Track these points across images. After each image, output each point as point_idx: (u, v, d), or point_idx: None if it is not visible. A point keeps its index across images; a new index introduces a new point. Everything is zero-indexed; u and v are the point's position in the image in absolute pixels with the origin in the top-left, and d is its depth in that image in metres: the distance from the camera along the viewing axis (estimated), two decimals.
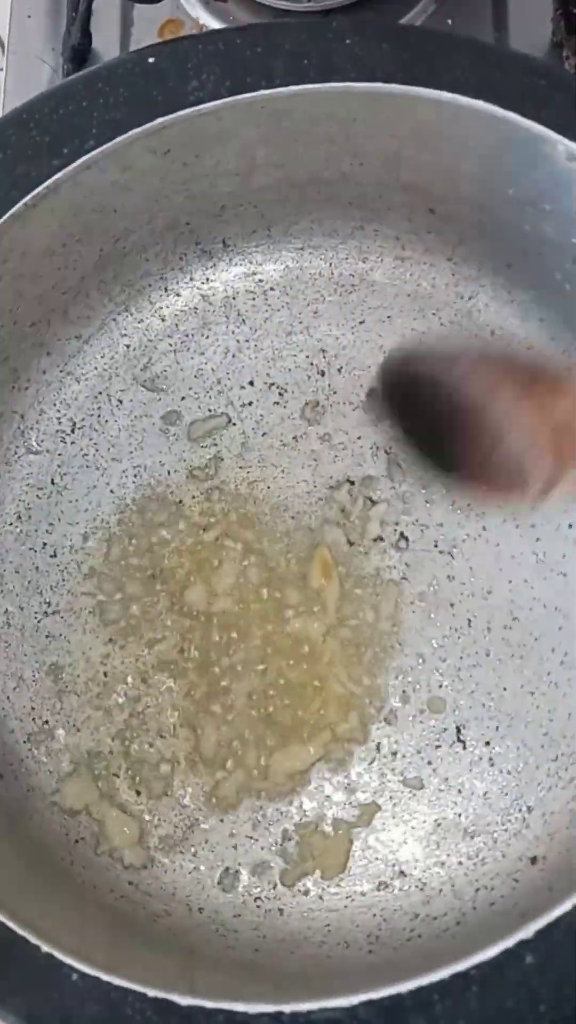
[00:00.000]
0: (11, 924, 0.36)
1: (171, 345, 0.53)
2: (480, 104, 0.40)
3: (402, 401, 0.43)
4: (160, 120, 0.40)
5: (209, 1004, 0.34)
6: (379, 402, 0.44)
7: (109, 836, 0.48)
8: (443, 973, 0.34)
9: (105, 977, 0.35)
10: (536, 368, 0.41)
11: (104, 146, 0.40)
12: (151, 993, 0.35)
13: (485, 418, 0.38)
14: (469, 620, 0.50)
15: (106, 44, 0.55)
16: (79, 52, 0.52)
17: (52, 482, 0.52)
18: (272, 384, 0.53)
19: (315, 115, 0.44)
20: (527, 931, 0.34)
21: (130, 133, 0.40)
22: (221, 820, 0.49)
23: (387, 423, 0.43)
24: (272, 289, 0.54)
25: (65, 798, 0.49)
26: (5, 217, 0.41)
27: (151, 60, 0.41)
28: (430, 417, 0.41)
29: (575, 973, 0.34)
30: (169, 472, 0.52)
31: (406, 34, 0.40)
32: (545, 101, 0.40)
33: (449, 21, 0.56)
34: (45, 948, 0.35)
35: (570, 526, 0.51)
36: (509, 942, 0.34)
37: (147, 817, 0.49)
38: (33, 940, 0.35)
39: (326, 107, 0.43)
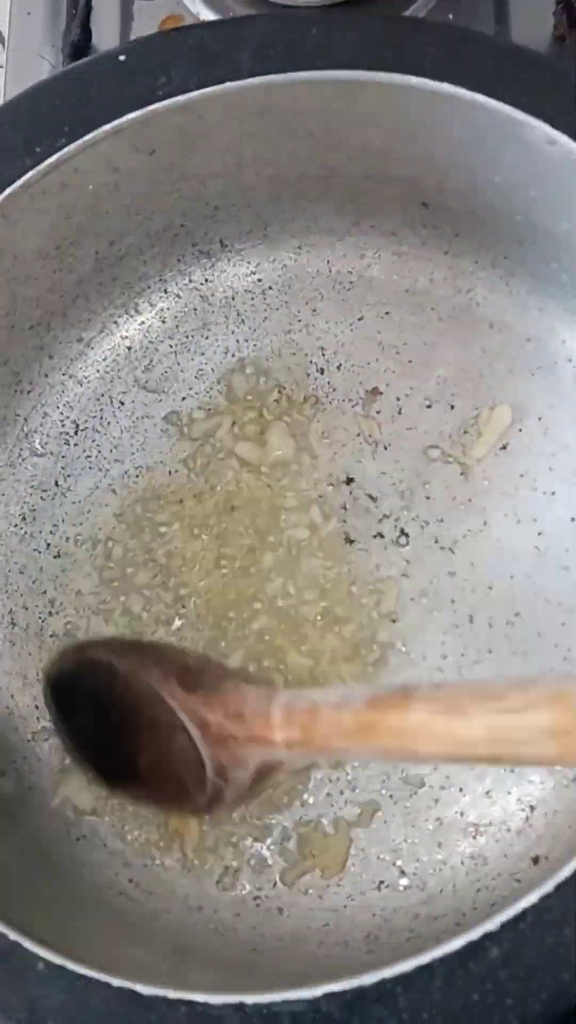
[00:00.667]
0: None
1: (172, 346, 0.54)
2: (446, 87, 0.39)
3: (72, 703, 0.43)
4: (130, 116, 0.41)
5: (172, 994, 0.34)
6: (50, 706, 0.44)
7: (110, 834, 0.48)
8: (406, 965, 0.34)
9: (71, 967, 0.35)
10: (192, 665, 0.41)
11: (74, 143, 0.40)
12: (115, 983, 0.34)
13: (157, 713, 0.38)
14: (471, 616, 0.50)
15: (106, 40, 0.56)
16: (79, 48, 0.53)
17: (56, 484, 0.53)
18: (272, 382, 0.53)
19: (293, 109, 0.44)
20: (492, 923, 0.34)
21: (101, 129, 0.41)
22: (221, 818, 0.49)
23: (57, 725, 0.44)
24: (271, 288, 0.54)
25: (68, 796, 0.49)
26: None
27: (121, 58, 0.41)
28: (103, 717, 0.41)
29: (542, 967, 0.33)
30: (171, 472, 0.53)
31: (372, 22, 0.40)
32: (517, 82, 0.39)
33: (450, 16, 0.56)
34: (12, 936, 0.35)
35: (572, 519, 0.50)
36: (474, 934, 0.34)
37: (148, 815, 0.49)
38: (1, 929, 0.35)
39: (301, 100, 0.43)
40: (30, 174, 0.41)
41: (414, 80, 0.40)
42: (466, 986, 0.33)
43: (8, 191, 0.41)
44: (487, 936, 0.33)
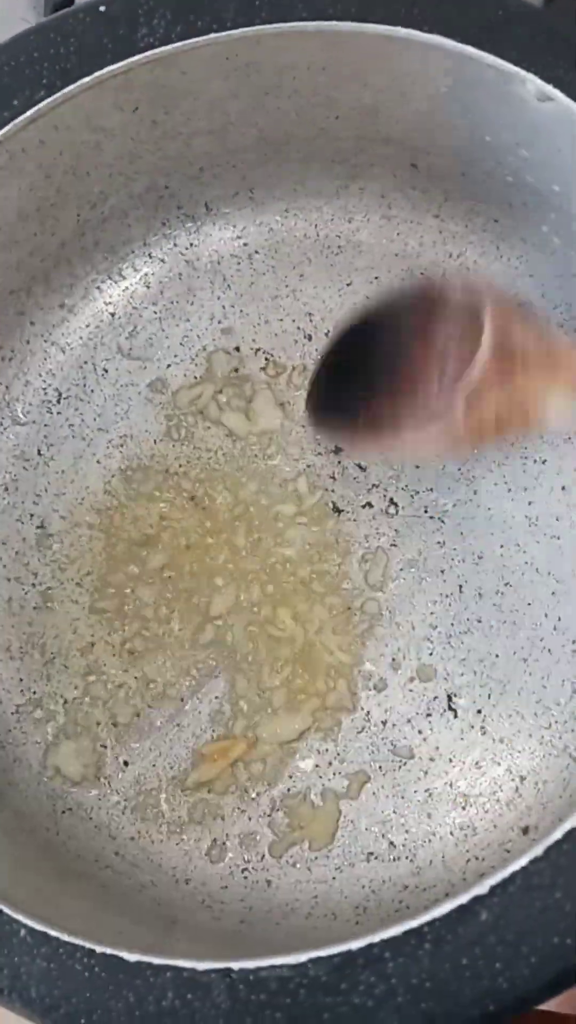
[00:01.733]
0: None
1: (156, 312, 0.53)
2: (434, 38, 0.39)
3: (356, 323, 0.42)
4: (110, 68, 0.40)
5: (157, 960, 0.34)
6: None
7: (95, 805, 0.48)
8: (395, 930, 0.33)
9: (53, 933, 0.34)
10: (540, 329, 0.40)
11: (52, 96, 0.39)
12: (99, 949, 0.34)
13: (449, 323, 0.37)
14: (460, 586, 0.49)
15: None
16: (60, 9, 0.52)
17: (38, 453, 0.52)
18: (258, 349, 0.52)
19: (279, 65, 0.43)
20: (482, 887, 0.33)
21: (80, 82, 0.40)
22: (208, 791, 0.48)
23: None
24: (257, 253, 0.53)
25: (58, 766, 0.48)
26: None
27: (102, 8, 0.40)
28: (378, 337, 0.40)
29: (532, 931, 0.33)
30: (155, 441, 0.52)
31: None
32: (507, 36, 0.39)
33: None
34: None
35: (563, 488, 0.49)
36: (463, 899, 0.33)
37: (135, 787, 0.48)
38: None
39: (288, 55, 0.42)
40: (7, 128, 0.39)
41: (402, 31, 0.39)
42: (455, 950, 0.33)
43: None
44: (476, 900, 0.33)
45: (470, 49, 0.39)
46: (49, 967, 0.34)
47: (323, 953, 0.33)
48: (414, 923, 0.33)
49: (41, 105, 0.40)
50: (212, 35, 0.39)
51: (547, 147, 0.43)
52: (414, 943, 0.33)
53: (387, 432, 0.40)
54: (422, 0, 0.39)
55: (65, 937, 0.34)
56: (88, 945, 0.34)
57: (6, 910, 0.35)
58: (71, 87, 0.40)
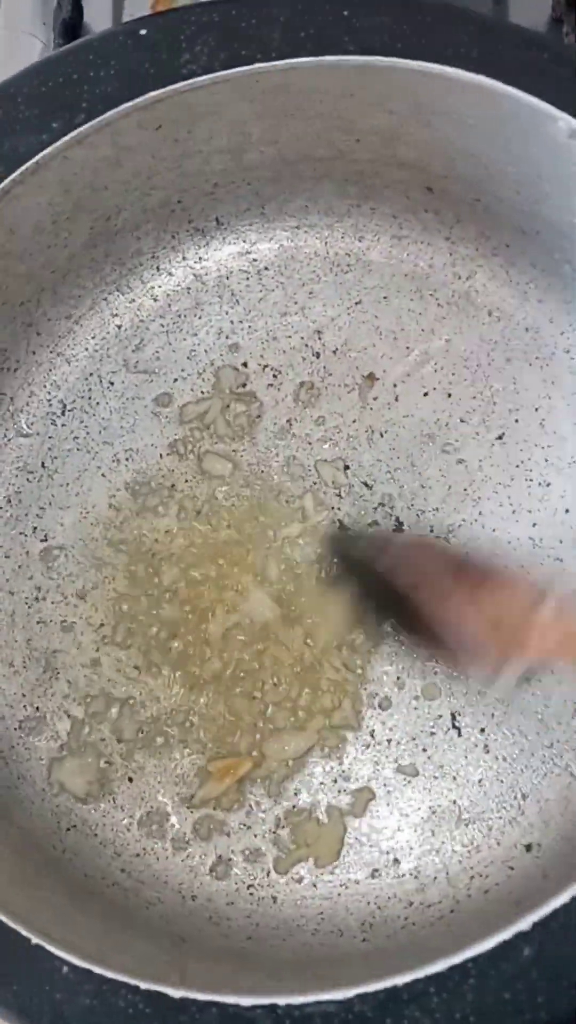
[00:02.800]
0: (1, 915, 0.36)
1: (163, 326, 0.53)
2: (481, 79, 0.39)
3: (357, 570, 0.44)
4: (153, 93, 0.39)
5: (202, 996, 0.34)
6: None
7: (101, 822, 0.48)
8: (439, 966, 0.34)
9: (97, 970, 0.34)
10: (462, 561, 0.42)
11: (95, 120, 0.39)
12: (143, 985, 0.34)
13: (422, 607, 0.38)
14: None
15: (98, 17, 0.54)
16: (70, 26, 0.51)
17: (43, 465, 0.52)
18: (266, 366, 0.52)
19: (310, 90, 0.43)
20: (525, 923, 0.34)
21: (123, 107, 0.39)
22: (214, 808, 0.48)
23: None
24: (267, 269, 0.53)
25: (62, 782, 0.48)
26: None
27: (143, 32, 0.40)
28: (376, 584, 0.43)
29: (573, 965, 0.34)
30: (161, 455, 0.52)
31: (405, 6, 0.39)
32: (545, 76, 0.39)
33: None
34: (35, 940, 0.34)
35: (567, 511, 0.50)
36: (506, 934, 0.34)
37: (140, 804, 0.48)
38: (24, 932, 0.34)
39: (322, 81, 0.42)
40: (48, 150, 0.39)
41: (449, 71, 0.39)
42: (498, 985, 0.34)
43: (24, 167, 0.39)
44: (519, 936, 0.34)
45: (512, 90, 0.39)
46: (92, 1004, 0.34)
47: (369, 989, 0.34)
48: (458, 959, 0.33)
49: (80, 130, 0.39)
50: (258, 65, 0.39)
51: (571, 181, 0.43)
52: (458, 979, 0.33)
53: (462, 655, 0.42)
54: (465, 38, 0.39)
55: (109, 974, 0.34)
56: (133, 982, 0.34)
57: (48, 947, 0.34)
58: (111, 113, 0.39)
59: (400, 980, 0.34)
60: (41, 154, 0.39)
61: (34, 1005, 0.34)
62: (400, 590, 0.40)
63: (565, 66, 0.39)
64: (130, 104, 0.39)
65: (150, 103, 0.39)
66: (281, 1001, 0.34)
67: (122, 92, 0.40)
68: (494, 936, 0.34)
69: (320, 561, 0.47)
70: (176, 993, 0.34)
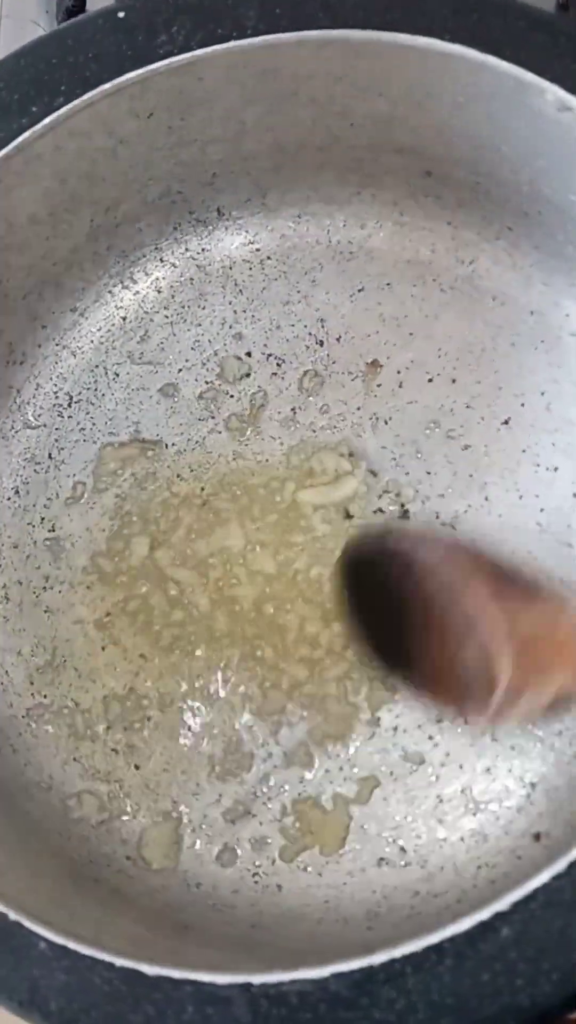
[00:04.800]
0: None
1: (167, 317, 0.53)
2: (454, 48, 0.38)
3: (362, 587, 0.42)
4: (129, 76, 0.39)
5: (176, 974, 0.34)
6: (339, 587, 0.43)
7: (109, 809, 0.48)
8: (415, 945, 0.34)
9: (73, 946, 0.34)
10: (506, 571, 0.39)
11: (73, 102, 0.39)
12: (119, 963, 0.34)
13: (450, 616, 0.36)
14: None
15: (100, 4, 0.54)
16: (73, 14, 0.51)
17: (49, 456, 0.52)
18: (270, 355, 0.52)
19: (297, 74, 0.43)
20: (503, 903, 0.33)
21: (99, 89, 0.40)
22: (220, 795, 0.48)
23: (344, 611, 0.43)
24: (269, 258, 0.53)
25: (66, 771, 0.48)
26: None
27: (120, 15, 0.40)
28: (391, 607, 0.40)
29: (553, 947, 0.33)
30: (166, 445, 0.52)
31: None
32: (526, 45, 0.38)
33: None
34: (13, 916, 0.34)
35: (574, 496, 0.49)
36: (484, 914, 0.33)
37: (146, 792, 0.48)
38: (0, 908, 0.34)
39: (306, 64, 0.42)
40: (25, 135, 0.39)
41: (422, 41, 0.39)
42: (476, 966, 0.33)
43: (2, 153, 0.39)
44: (498, 916, 0.33)
45: (491, 59, 0.39)
46: (68, 980, 0.34)
47: (344, 968, 0.33)
48: (435, 939, 0.33)
49: (59, 112, 0.39)
50: (232, 43, 0.39)
51: (565, 157, 0.43)
52: (435, 959, 0.33)
53: (455, 695, 0.40)
54: (442, 10, 0.39)
55: (85, 950, 0.34)
56: (108, 959, 0.34)
57: (26, 923, 0.35)
58: (89, 95, 0.39)
59: (376, 960, 0.33)
60: (21, 138, 0.39)
61: (12, 981, 0.34)
62: (427, 602, 0.39)
63: (550, 35, 0.39)
64: (108, 85, 0.39)
65: (128, 85, 0.39)
66: (256, 980, 0.34)
67: (100, 75, 0.40)
68: (471, 916, 0.33)
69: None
70: (151, 971, 0.34)
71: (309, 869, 0.47)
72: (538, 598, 0.37)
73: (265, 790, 0.48)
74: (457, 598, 0.37)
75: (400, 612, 0.41)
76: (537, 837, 0.46)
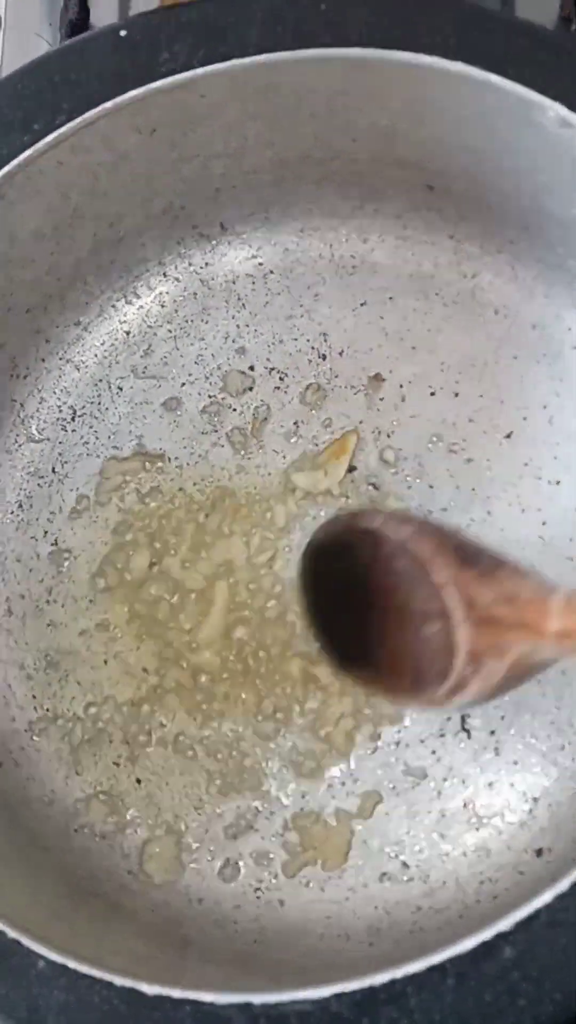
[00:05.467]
0: None
1: (171, 331, 0.53)
2: (463, 67, 0.38)
3: (322, 576, 0.42)
4: (131, 94, 0.40)
5: (176, 994, 0.34)
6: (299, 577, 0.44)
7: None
8: (418, 966, 0.33)
9: (72, 965, 0.34)
10: (470, 548, 0.40)
11: (74, 120, 0.39)
12: (118, 982, 0.34)
13: (415, 592, 0.37)
14: None
15: (104, 19, 0.54)
16: (76, 27, 0.52)
17: (53, 470, 0.52)
18: (273, 369, 0.52)
19: (299, 89, 0.43)
20: (506, 922, 0.33)
21: (101, 107, 0.40)
22: (222, 810, 0.48)
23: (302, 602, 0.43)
24: (272, 272, 0.53)
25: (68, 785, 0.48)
26: None
27: (123, 33, 0.40)
28: (351, 592, 0.40)
29: (556, 966, 0.33)
30: (169, 459, 0.52)
31: None
32: (529, 62, 0.39)
33: None
34: (11, 934, 0.34)
35: None
36: (487, 934, 0.33)
37: (148, 806, 0.48)
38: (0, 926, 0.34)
39: (308, 80, 0.42)
40: (28, 152, 0.39)
41: (426, 59, 0.39)
42: (478, 986, 0.33)
43: (5, 170, 0.39)
44: (500, 936, 0.33)
45: (493, 77, 0.39)
46: (68, 999, 0.34)
47: (345, 988, 0.33)
48: (437, 959, 0.33)
49: (62, 130, 0.40)
50: (234, 61, 0.39)
51: (566, 172, 0.43)
52: (437, 979, 0.33)
53: (408, 683, 0.40)
54: (445, 27, 0.39)
55: (84, 969, 0.34)
56: (107, 978, 0.34)
57: (25, 941, 0.35)
58: (91, 113, 0.40)
59: (377, 980, 0.33)
60: (24, 155, 0.40)
61: (10, 999, 0.34)
62: (390, 581, 0.39)
63: (548, 50, 0.39)
64: (110, 104, 0.40)
65: (129, 103, 0.40)
66: (256, 999, 0.33)
67: (103, 93, 0.40)
68: (474, 936, 0.33)
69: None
70: (150, 990, 0.34)
71: (311, 884, 0.47)
72: (501, 572, 0.37)
73: (267, 805, 0.48)
74: (422, 573, 0.37)
75: (360, 597, 0.41)
76: (539, 852, 0.46)
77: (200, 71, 0.39)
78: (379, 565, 0.39)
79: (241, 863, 0.48)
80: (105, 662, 0.50)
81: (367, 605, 0.41)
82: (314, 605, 0.44)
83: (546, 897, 0.33)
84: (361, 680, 0.45)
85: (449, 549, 0.38)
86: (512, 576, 0.38)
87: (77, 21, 0.52)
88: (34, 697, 0.50)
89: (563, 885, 0.33)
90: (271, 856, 0.47)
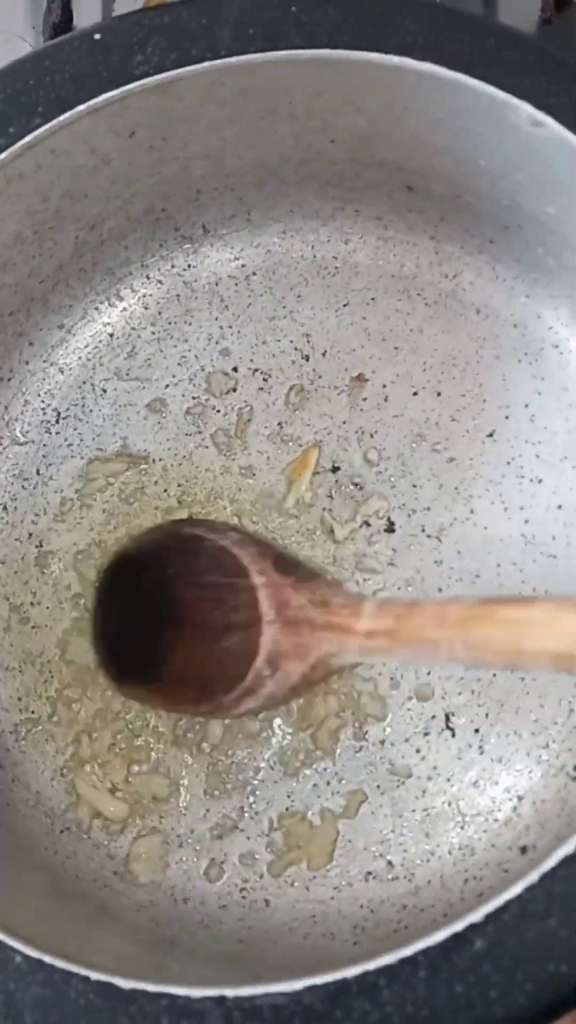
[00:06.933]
0: None
1: (154, 333, 0.53)
2: (426, 66, 0.39)
3: (121, 582, 0.44)
4: (106, 96, 0.40)
5: (151, 988, 0.34)
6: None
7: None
8: (389, 958, 0.33)
9: (48, 960, 0.34)
10: (290, 561, 0.42)
11: (48, 124, 0.40)
12: (94, 976, 0.34)
13: (221, 603, 0.38)
14: None
15: (88, 21, 0.55)
16: (60, 30, 0.52)
17: (37, 472, 0.52)
18: (256, 370, 0.52)
19: (275, 91, 0.43)
20: (476, 914, 0.33)
21: (76, 109, 0.40)
22: (207, 809, 0.48)
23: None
24: (255, 274, 0.53)
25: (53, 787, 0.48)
26: None
27: (97, 37, 0.40)
28: (144, 603, 0.41)
29: (527, 958, 0.33)
30: (154, 460, 0.52)
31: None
32: (498, 61, 0.39)
33: None
34: None
35: (559, 507, 0.49)
36: (458, 926, 0.33)
37: (134, 806, 0.48)
38: None
39: (283, 81, 0.42)
40: (4, 155, 0.40)
41: (395, 59, 0.39)
42: (450, 978, 0.33)
43: None
44: (471, 928, 0.33)
45: (463, 77, 0.39)
46: (44, 994, 0.34)
47: (318, 981, 0.33)
48: (408, 951, 0.33)
49: (38, 132, 0.40)
50: (208, 63, 0.39)
51: (541, 171, 0.43)
52: (409, 971, 0.33)
53: (194, 693, 0.41)
54: (415, 28, 0.39)
55: (60, 964, 0.34)
56: (83, 972, 0.34)
57: (1, 936, 0.35)
58: (67, 115, 0.40)
59: (350, 972, 0.33)
60: (0, 157, 0.40)
61: None
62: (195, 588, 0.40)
63: (522, 52, 0.39)
64: (85, 106, 0.40)
65: (106, 105, 0.40)
66: (230, 992, 0.34)
67: (77, 96, 0.41)
68: (445, 928, 0.33)
69: None
70: (126, 984, 0.34)
71: (296, 884, 0.47)
72: (316, 582, 0.40)
73: (252, 804, 0.48)
74: (238, 579, 0.38)
75: (156, 609, 0.43)
76: (524, 850, 0.46)
77: (176, 72, 0.40)
78: (188, 575, 0.40)
79: (226, 863, 0.48)
80: (91, 665, 0.50)
81: (162, 617, 0.41)
82: (104, 619, 0.44)
83: (516, 889, 0.33)
84: (137, 695, 0.46)
85: (270, 557, 0.40)
86: (326, 585, 0.40)
87: (60, 24, 0.52)
88: (19, 699, 0.50)
89: (533, 877, 0.33)
90: (256, 856, 0.48)
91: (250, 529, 0.50)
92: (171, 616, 0.41)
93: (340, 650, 0.38)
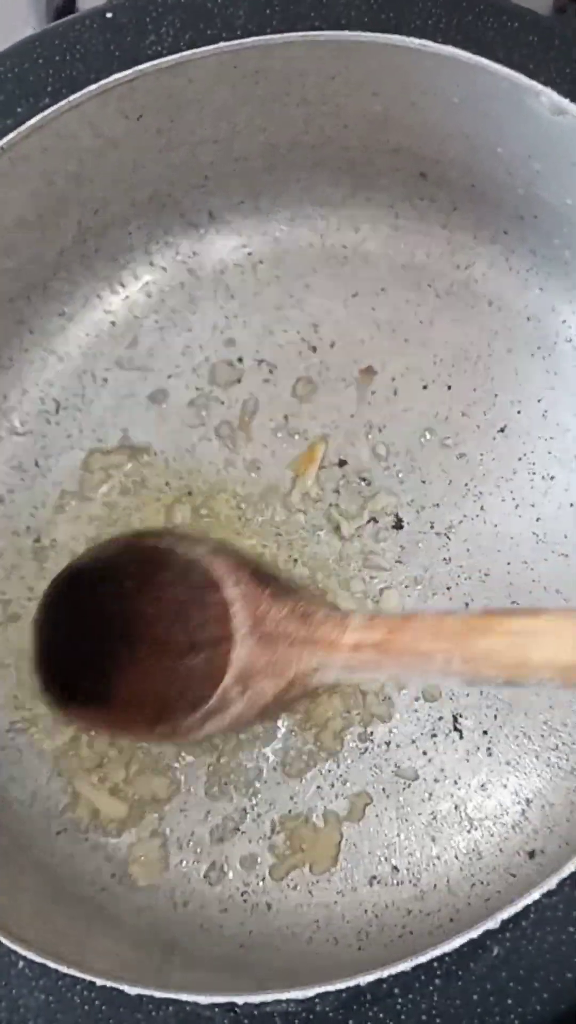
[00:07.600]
0: None
1: (157, 322, 0.52)
2: (447, 49, 0.38)
3: (71, 598, 0.41)
4: (116, 76, 0.39)
5: (158, 994, 0.33)
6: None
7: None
8: (404, 965, 0.32)
9: (52, 965, 0.33)
10: (267, 573, 0.40)
11: (56, 105, 0.38)
12: (99, 982, 0.33)
13: (184, 620, 0.37)
14: (466, 604, 0.48)
15: (92, 5, 0.53)
16: (63, 14, 0.51)
17: (36, 464, 0.51)
18: (262, 361, 0.51)
19: (288, 73, 0.42)
20: (493, 921, 0.32)
21: (86, 90, 0.39)
22: (208, 811, 0.47)
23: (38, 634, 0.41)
24: (262, 262, 0.52)
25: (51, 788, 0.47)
26: None
27: (109, 15, 0.39)
28: (96, 621, 0.39)
29: (543, 966, 0.32)
30: (155, 453, 0.51)
31: None
32: (521, 45, 0.38)
33: None
34: None
35: (571, 505, 0.48)
36: (474, 932, 0.32)
37: (132, 807, 0.47)
38: None
39: (297, 64, 0.41)
40: (10, 136, 0.39)
41: (414, 42, 0.38)
42: (465, 986, 0.32)
43: None
44: (488, 934, 0.32)
45: (484, 61, 0.38)
46: (48, 1000, 0.33)
47: (330, 988, 0.32)
48: (424, 958, 0.32)
49: (46, 113, 0.39)
50: (222, 44, 0.38)
51: (560, 160, 0.42)
52: (424, 979, 0.32)
53: (149, 715, 0.39)
54: (436, 10, 0.38)
55: (64, 969, 0.33)
56: (88, 977, 0.33)
57: (4, 942, 0.33)
58: (76, 95, 0.39)
59: (363, 980, 0.32)
60: (6, 139, 0.39)
61: None
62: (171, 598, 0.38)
63: (544, 37, 0.38)
64: (95, 87, 0.39)
65: (115, 86, 0.39)
66: (239, 1000, 0.32)
67: (88, 76, 0.39)
68: (462, 935, 0.32)
69: None
70: (132, 990, 0.33)
71: (299, 888, 0.46)
72: (296, 595, 0.39)
73: (254, 807, 0.47)
74: (207, 595, 0.37)
75: (109, 627, 0.40)
76: (532, 855, 0.45)
77: (188, 54, 0.38)
78: (149, 589, 0.38)
79: (227, 866, 0.47)
80: None
81: (115, 633, 0.39)
82: (48, 635, 0.42)
83: (534, 895, 0.32)
84: (82, 717, 0.44)
85: (245, 569, 0.39)
86: (307, 597, 0.39)
87: (63, 8, 0.51)
88: (15, 697, 0.49)
89: (551, 883, 0.32)
90: (258, 859, 0.47)
91: (256, 522, 0.49)
92: (125, 632, 0.39)
93: (321, 665, 0.36)
